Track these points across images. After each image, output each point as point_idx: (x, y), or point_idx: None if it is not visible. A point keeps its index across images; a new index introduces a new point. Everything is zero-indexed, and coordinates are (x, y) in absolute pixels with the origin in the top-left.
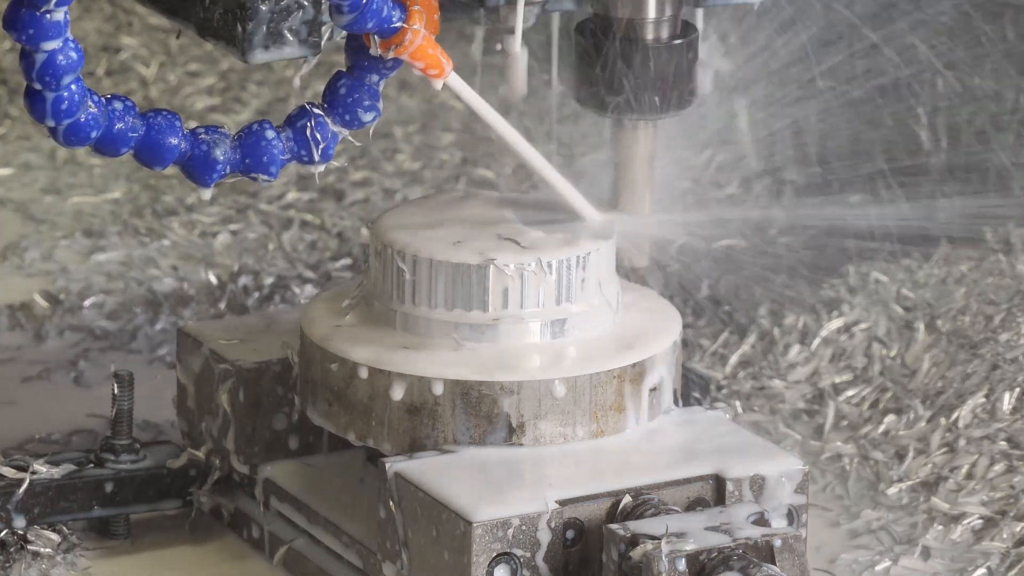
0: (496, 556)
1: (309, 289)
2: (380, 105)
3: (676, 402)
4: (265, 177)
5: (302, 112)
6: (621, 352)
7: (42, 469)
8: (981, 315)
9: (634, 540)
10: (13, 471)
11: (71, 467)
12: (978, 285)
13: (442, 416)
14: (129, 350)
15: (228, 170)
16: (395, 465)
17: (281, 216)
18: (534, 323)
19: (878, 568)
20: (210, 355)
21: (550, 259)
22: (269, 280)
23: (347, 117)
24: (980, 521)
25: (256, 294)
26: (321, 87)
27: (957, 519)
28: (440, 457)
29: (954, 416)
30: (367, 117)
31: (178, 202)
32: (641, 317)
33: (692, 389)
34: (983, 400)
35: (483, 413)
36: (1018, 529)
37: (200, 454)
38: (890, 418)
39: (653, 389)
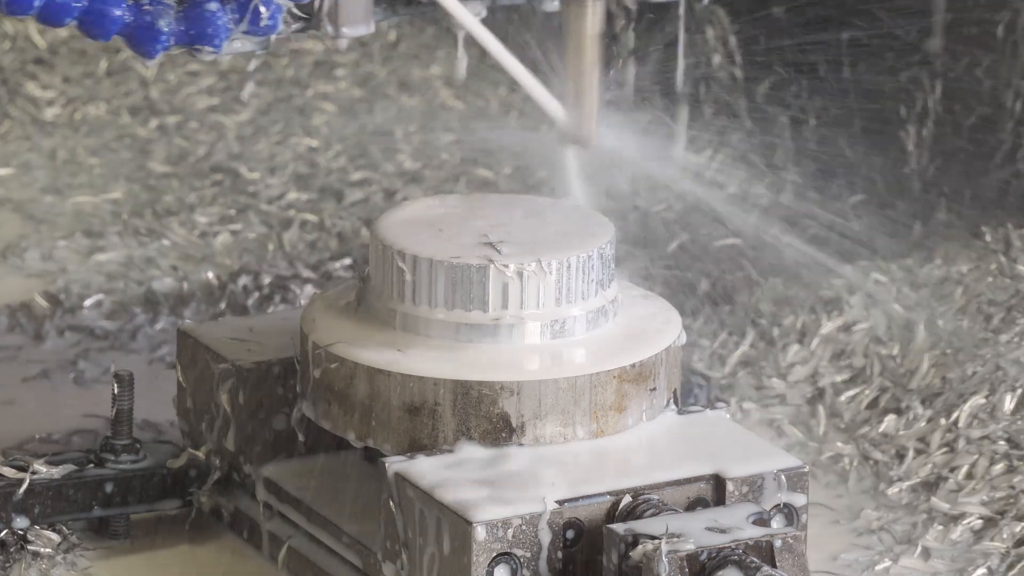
0: (496, 556)
1: (309, 289)
2: None
3: (676, 402)
4: (210, 49)
5: None
6: (621, 352)
7: (42, 469)
8: (981, 315)
9: (634, 540)
10: (13, 471)
11: (71, 467)
12: (978, 285)
13: (442, 416)
14: (129, 350)
15: (172, 41)
16: (395, 465)
17: (281, 216)
18: (534, 323)
19: (878, 568)
20: (210, 355)
21: (550, 259)
22: (269, 280)
23: None
24: (980, 521)
25: (256, 294)
26: (322, 86)
27: (957, 519)
28: (440, 457)
29: (954, 416)
30: None
31: (178, 202)
32: (641, 317)
33: (692, 389)
34: (983, 400)
35: (483, 413)
36: (1018, 529)
37: (200, 454)
38: (890, 418)
39: (653, 389)
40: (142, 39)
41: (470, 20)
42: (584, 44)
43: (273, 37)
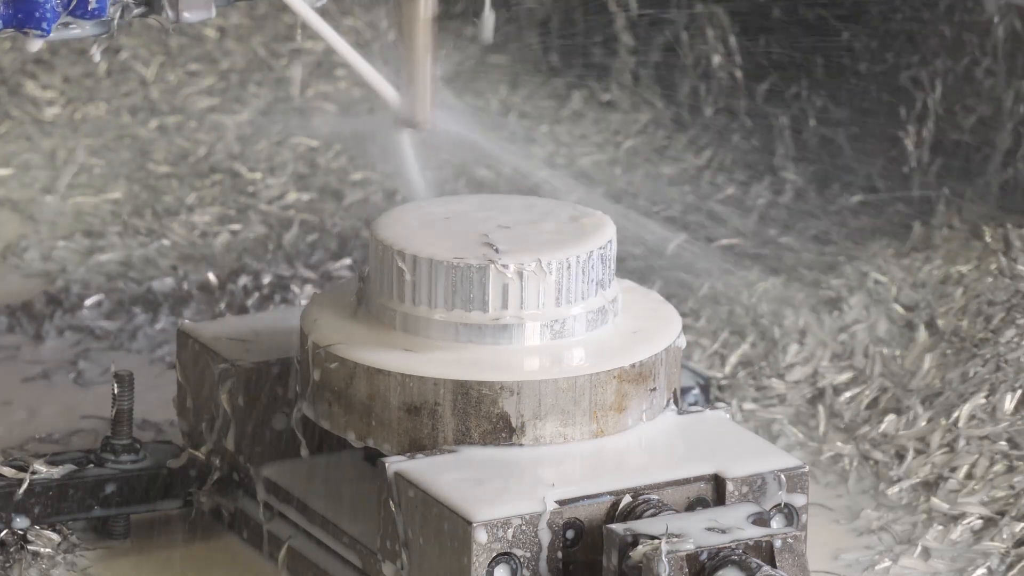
0: (496, 556)
1: (309, 289)
2: None
3: (676, 402)
4: (37, 32)
5: None
6: (621, 352)
7: (42, 469)
8: (981, 315)
9: (634, 540)
10: (13, 471)
11: (71, 467)
12: (978, 285)
13: (442, 416)
14: (129, 350)
15: (1, 25)
16: (395, 465)
17: (281, 216)
18: (534, 323)
19: (878, 568)
20: (210, 355)
21: (550, 259)
22: (269, 280)
23: None
24: (980, 521)
25: (256, 294)
26: (322, 86)
27: (957, 519)
28: (440, 457)
29: (954, 416)
30: None
31: (178, 202)
32: (641, 317)
33: (692, 389)
34: (983, 400)
35: (483, 413)
36: (1018, 529)
37: (200, 454)
38: (890, 418)
39: (653, 389)
40: None
41: (302, 7)
42: (416, 29)
43: (115, 22)
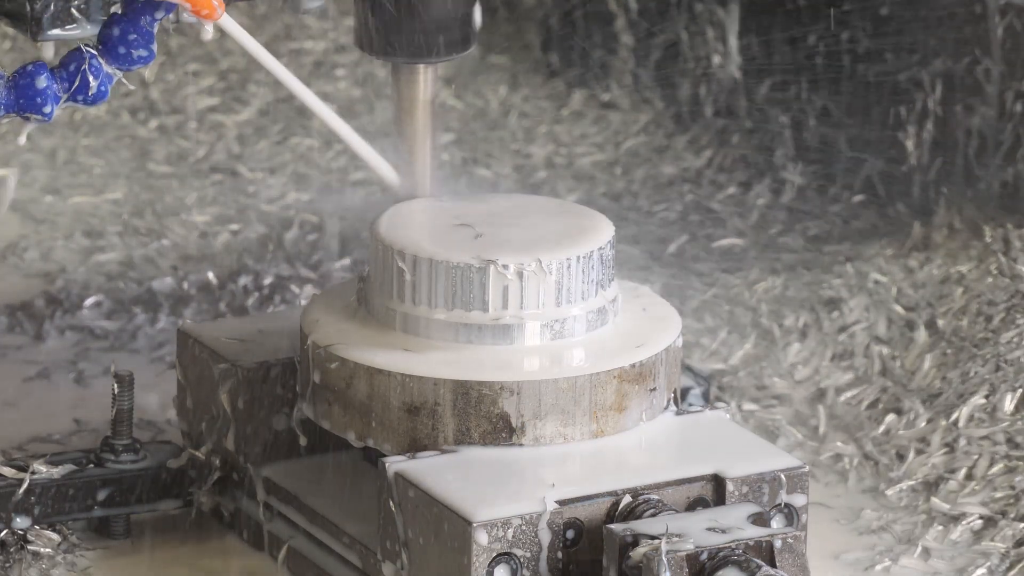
0: (496, 556)
1: (309, 289)
2: (154, 47)
3: (676, 402)
4: (39, 117)
5: (76, 54)
6: (621, 352)
7: (42, 469)
8: (981, 315)
9: (634, 540)
10: (13, 471)
11: (71, 467)
12: (978, 285)
13: (442, 416)
14: (129, 350)
15: (2, 111)
16: (395, 465)
17: (281, 216)
18: (534, 323)
19: (878, 568)
20: (210, 355)
21: (550, 260)
22: (269, 280)
23: (120, 58)
24: (980, 521)
25: (256, 294)
26: (323, 85)
27: (957, 519)
28: (440, 457)
29: (954, 416)
30: (139, 56)
31: (178, 202)
32: (641, 317)
33: (692, 389)
34: (983, 400)
35: (483, 413)
36: (1018, 529)
37: (200, 454)
38: (890, 418)
39: (653, 389)
40: None
41: (304, 91)
42: (417, 110)
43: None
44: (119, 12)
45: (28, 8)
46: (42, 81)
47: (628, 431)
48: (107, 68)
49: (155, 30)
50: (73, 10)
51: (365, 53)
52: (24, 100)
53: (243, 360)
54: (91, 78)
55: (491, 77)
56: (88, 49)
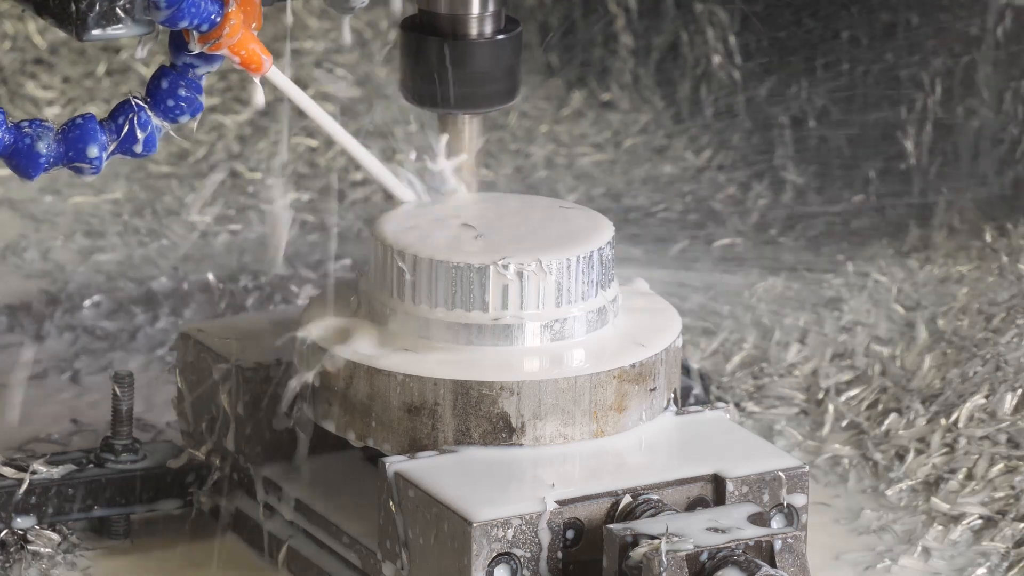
0: (496, 556)
1: (309, 289)
2: (202, 99)
3: (676, 402)
4: (90, 168)
5: (125, 106)
6: (621, 352)
7: (42, 469)
8: (981, 315)
9: (634, 540)
10: (13, 471)
11: (71, 467)
12: (978, 285)
13: (442, 416)
14: (129, 350)
15: (52, 163)
16: (395, 465)
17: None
18: (534, 323)
19: (878, 568)
20: (210, 355)
21: (550, 260)
22: (269, 280)
23: (168, 111)
24: (980, 521)
25: (256, 294)
26: (322, 86)
27: (957, 519)
28: (440, 457)
29: (954, 416)
30: (189, 110)
31: (178, 202)
32: (641, 317)
33: (692, 389)
34: (983, 400)
35: (483, 413)
36: (1018, 529)
37: (200, 454)
38: (890, 418)
39: (653, 389)
40: (22, 161)
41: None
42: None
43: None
44: (167, 65)
45: (73, 8)
46: (92, 129)
47: (628, 431)
48: (155, 120)
49: (203, 82)
50: (118, 9)
51: (413, 104)
52: (73, 152)
53: (243, 360)
54: (139, 131)
55: None
56: (137, 101)
